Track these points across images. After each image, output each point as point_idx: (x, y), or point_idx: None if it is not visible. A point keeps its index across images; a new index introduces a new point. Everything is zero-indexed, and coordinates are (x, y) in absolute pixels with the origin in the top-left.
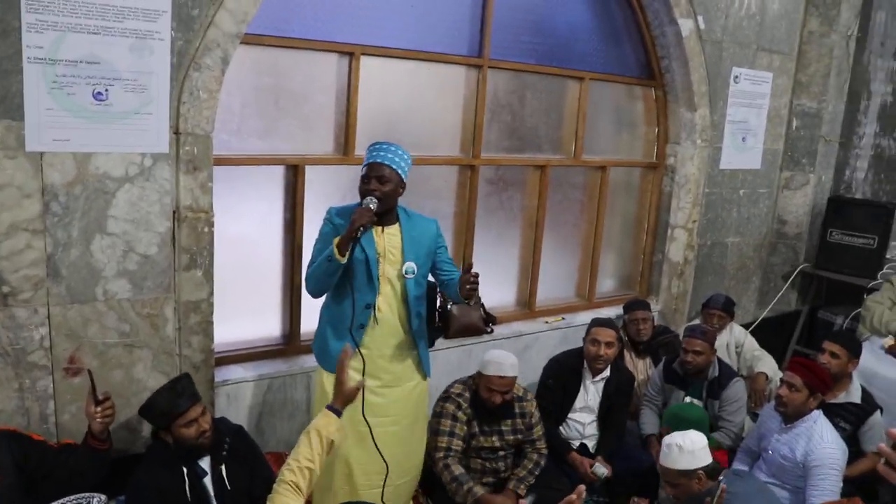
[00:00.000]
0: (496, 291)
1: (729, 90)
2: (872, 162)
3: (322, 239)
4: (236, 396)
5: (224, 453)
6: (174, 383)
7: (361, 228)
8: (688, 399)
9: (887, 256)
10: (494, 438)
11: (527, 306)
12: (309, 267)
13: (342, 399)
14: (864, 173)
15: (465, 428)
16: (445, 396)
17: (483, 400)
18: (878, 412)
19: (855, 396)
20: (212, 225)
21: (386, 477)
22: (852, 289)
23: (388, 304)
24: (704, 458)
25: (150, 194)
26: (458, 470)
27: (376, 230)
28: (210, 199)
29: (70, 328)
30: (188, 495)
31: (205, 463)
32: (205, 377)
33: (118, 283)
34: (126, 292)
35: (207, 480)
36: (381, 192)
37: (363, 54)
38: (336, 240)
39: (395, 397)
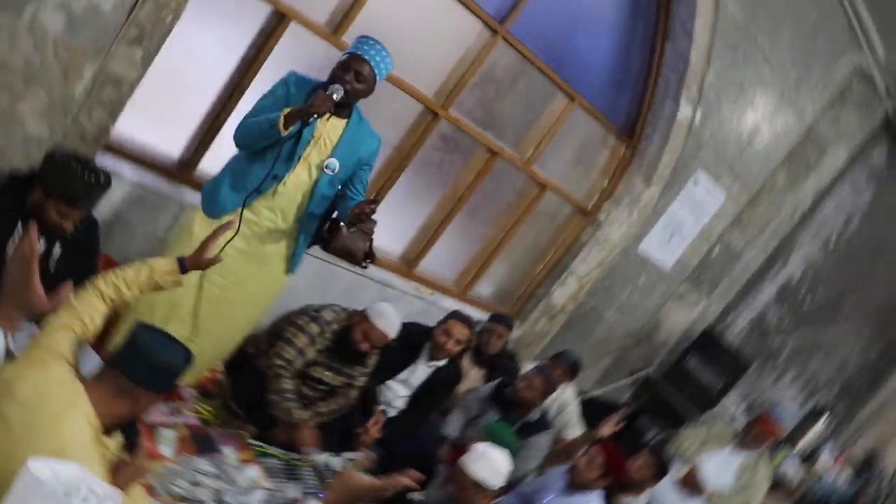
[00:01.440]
0: (390, 237)
1: (684, 187)
2: (753, 322)
3: (271, 97)
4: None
5: (67, 237)
6: (96, 185)
7: (316, 115)
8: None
9: (721, 403)
10: (330, 374)
11: (408, 265)
12: (246, 117)
13: (194, 261)
14: (742, 326)
15: (314, 355)
16: (314, 317)
17: (350, 340)
18: None
19: None
20: (177, 17)
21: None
22: (679, 413)
23: (295, 186)
24: (501, 481)
25: None
26: (288, 385)
27: (323, 119)
28: None
29: None
30: (7, 249)
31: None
32: (89, 153)
33: (54, 15)
34: (58, 27)
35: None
36: (353, 88)
37: None
38: (286, 111)
39: (251, 272)
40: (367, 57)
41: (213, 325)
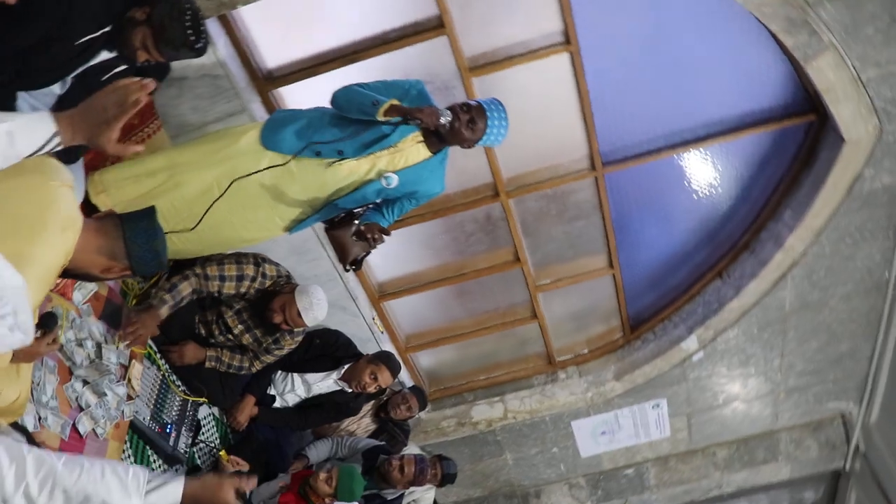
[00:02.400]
0: (383, 261)
1: (643, 403)
2: None
3: (391, 87)
4: None
5: (133, 66)
6: (195, 45)
7: (419, 122)
8: None
9: None
10: (241, 327)
11: (380, 294)
12: (355, 85)
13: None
14: None
15: (233, 295)
16: (258, 263)
17: (267, 307)
18: None
19: None
20: None
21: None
22: None
23: (348, 172)
24: None
25: None
26: (186, 290)
27: (417, 134)
28: None
29: None
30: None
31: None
32: (206, 12)
33: None
34: None
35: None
36: (459, 130)
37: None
38: (394, 104)
39: (261, 207)
40: (488, 118)
41: (208, 233)
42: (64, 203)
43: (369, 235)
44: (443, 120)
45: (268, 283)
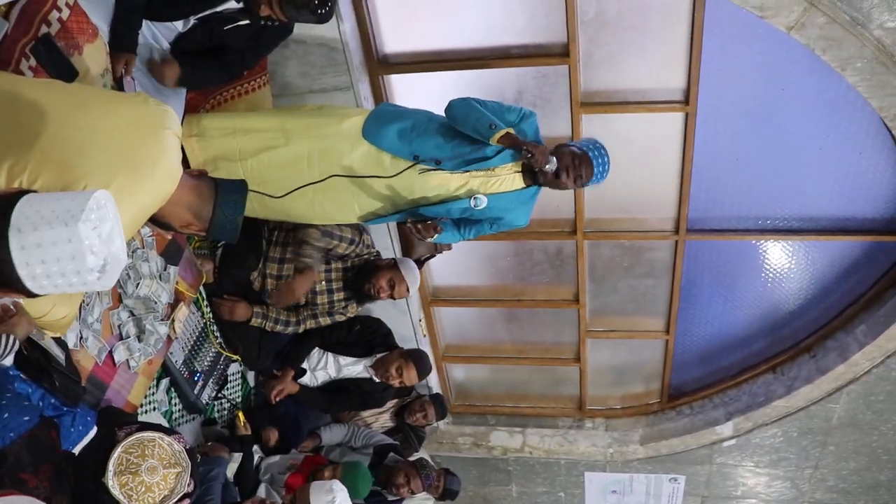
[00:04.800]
0: (443, 267)
1: (662, 475)
2: None
3: (508, 111)
4: None
5: (256, 20)
6: (318, 9)
7: (529, 157)
8: None
9: None
10: (323, 285)
11: (433, 299)
12: (473, 100)
13: None
14: None
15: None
16: (360, 231)
17: (373, 283)
18: None
19: None
20: None
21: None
22: None
23: (438, 184)
24: None
25: None
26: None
27: (517, 164)
28: None
29: None
30: None
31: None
32: None
33: None
34: None
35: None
36: (560, 183)
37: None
38: (510, 130)
39: (348, 191)
40: (594, 167)
41: (286, 203)
42: (173, 154)
43: (424, 232)
44: (548, 167)
45: (365, 254)
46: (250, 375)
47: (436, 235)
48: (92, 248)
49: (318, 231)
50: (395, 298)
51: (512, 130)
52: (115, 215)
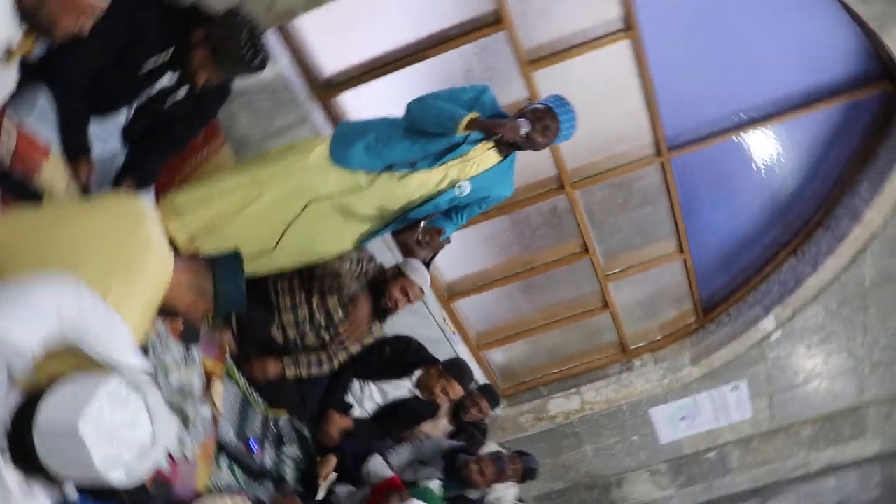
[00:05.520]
0: (451, 261)
1: (722, 386)
2: None
3: (462, 95)
4: None
5: (196, 89)
6: (252, 61)
7: (499, 137)
8: (437, 483)
9: None
10: (341, 314)
11: (449, 294)
12: (429, 97)
13: None
14: None
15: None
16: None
17: (387, 294)
18: None
19: None
20: None
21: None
22: None
23: (419, 184)
24: None
25: None
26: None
27: (488, 142)
28: None
29: None
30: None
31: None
32: (264, 24)
33: None
34: None
35: (162, 83)
36: (535, 142)
37: None
38: (474, 115)
39: (333, 222)
40: (559, 118)
41: (283, 251)
42: (159, 241)
43: (429, 240)
44: (522, 131)
45: (369, 269)
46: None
47: (440, 236)
48: (98, 446)
49: (333, 262)
50: (413, 302)
51: (475, 114)
52: (141, 398)
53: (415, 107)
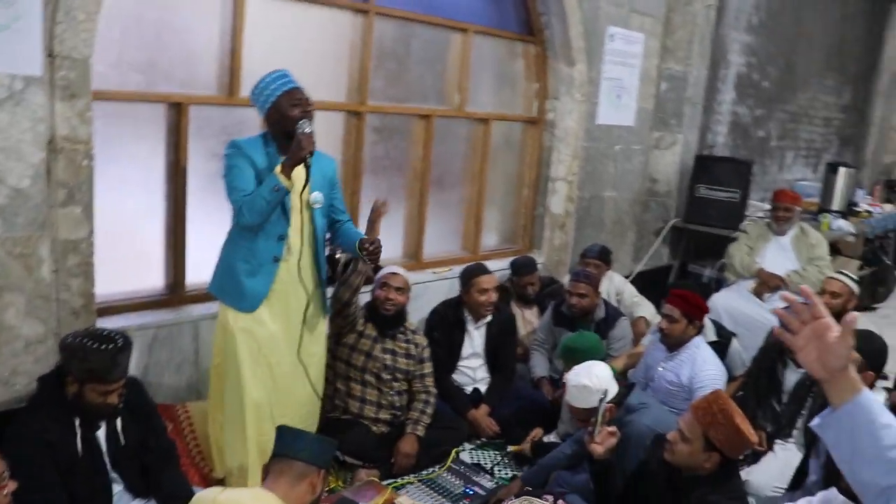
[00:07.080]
0: (383, 240)
1: (605, 48)
2: (731, 127)
3: (238, 172)
4: None
5: (119, 410)
6: (117, 351)
7: (310, 154)
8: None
9: (747, 211)
10: (388, 356)
11: (414, 258)
12: (240, 196)
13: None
14: (724, 137)
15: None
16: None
17: (377, 306)
18: (734, 341)
19: (710, 336)
20: (91, 158)
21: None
22: (719, 241)
23: (298, 236)
24: (612, 389)
25: (21, 121)
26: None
27: (289, 165)
28: (89, 129)
29: None
30: (79, 449)
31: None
32: (85, 324)
33: None
34: None
35: (101, 433)
36: (311, 116)
37: None
38: (278, 169)
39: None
40: (297, 84)
41: (288, 399)
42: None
43: (371, 248)
44: (308, 129)
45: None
46: (482, 453)
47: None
48: None
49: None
50: (406, 291)
51: (278, 169)
52: None
53: (248, 214)
